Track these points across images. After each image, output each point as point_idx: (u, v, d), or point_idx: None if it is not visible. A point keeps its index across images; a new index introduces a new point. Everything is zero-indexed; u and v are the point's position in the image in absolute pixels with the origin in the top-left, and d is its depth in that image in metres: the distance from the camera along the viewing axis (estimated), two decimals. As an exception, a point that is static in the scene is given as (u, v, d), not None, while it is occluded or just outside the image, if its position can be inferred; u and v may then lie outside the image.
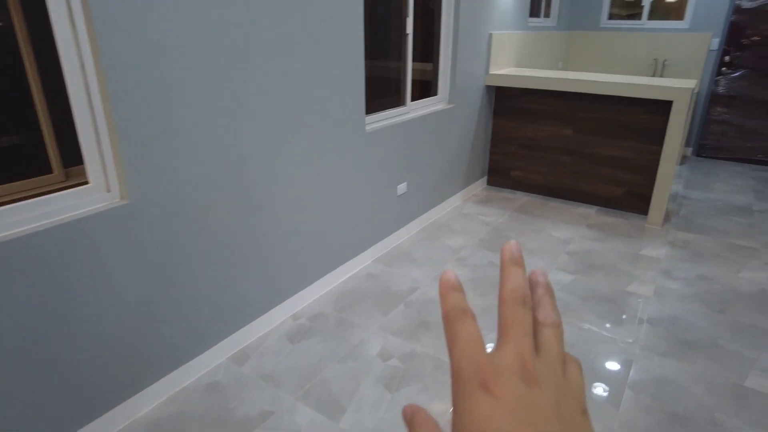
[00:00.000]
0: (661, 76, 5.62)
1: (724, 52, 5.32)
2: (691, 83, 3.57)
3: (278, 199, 2.31)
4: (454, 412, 0.22)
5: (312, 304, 2.69)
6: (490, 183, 4.60)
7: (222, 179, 2.01)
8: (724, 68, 5.36)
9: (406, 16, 2.99)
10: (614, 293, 2.86)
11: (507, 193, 4.45)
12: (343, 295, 2.78)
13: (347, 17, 2.42)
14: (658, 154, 3.74)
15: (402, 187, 3.30)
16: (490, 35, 4.00)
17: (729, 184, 4.83)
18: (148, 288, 1.85)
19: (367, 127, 2.83)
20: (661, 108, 3.62)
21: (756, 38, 5.14)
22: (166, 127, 1.76)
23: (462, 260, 3.20)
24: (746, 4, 5.11)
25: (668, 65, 5.57)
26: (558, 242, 3.49)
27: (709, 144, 5.60)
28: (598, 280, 2.99)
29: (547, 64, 5.42)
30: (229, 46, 1.89)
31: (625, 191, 3.99)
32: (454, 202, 4.09)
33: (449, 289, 0.26)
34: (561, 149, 4.15)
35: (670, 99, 3.48)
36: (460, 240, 3.48)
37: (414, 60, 3.12)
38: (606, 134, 3.92)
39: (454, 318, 0.25)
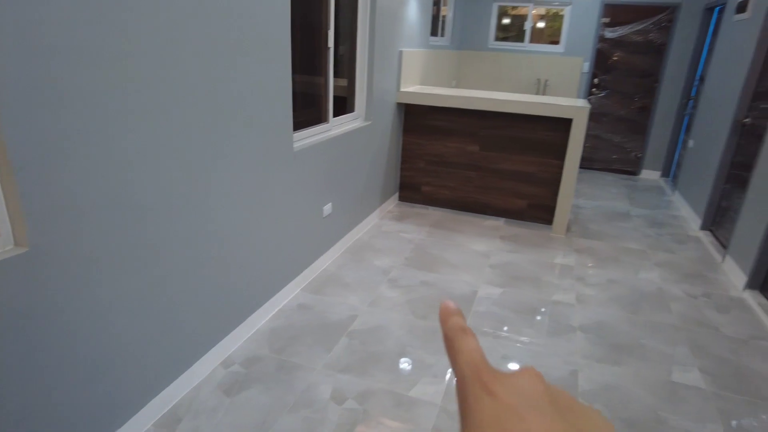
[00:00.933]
0: (543, 94, 6.13)
1: (594, 75, 5.96)
2: (585, 103, 3.89)
3: (200, 234, 2.00)
4: (463, 417, 0.24)
5: (243, 347, 2.38)
6: (402, 199, 4.58)
7: (128, 216, 1.67)
8: (594, 89, 6.01)
9: (327, 29, 2.84)
10: (542, 304, 2.96)
11: (419, 209, 4.46)
12: (278, 333, 2.51)
13: (273, 25, 2.20)
14: (559, 167, 4.02)
15: (328, 208, 3.11)
16: (401, 52, 4.00)
17: (607, 192, 5.39)
18: (46, 351, 1.45)
19: (295, 145, 2.61)
20: (559, 125, 3.90)
21: (617, 63, 5.85)
22: (66, 157, 1.40)
23: (394, 281, 3.10)
24: (609, 34, 5.79)
25: (549, 85, 6.09)
26: (479, 256, 3.55)
27: (585, 156, 6.21)
28: (525, 292, 3.08)
29: (443, 81, 5.61)
30: (141, 69, 1.58)
31: (529, 203, 4.22)
32: (372, 219, 3.98)
33: (449, 315, 0.28)
34: (468, 165, 4.28)
35: (571, 117, 3.76)
36: (387, 260, 3.38)
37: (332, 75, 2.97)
38: (510, 150, 4.11)
39: (454, 336, 0.27)
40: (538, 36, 6.09)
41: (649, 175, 6.12)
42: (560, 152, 3.98)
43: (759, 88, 3.80)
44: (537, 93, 6.14)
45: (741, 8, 4.23)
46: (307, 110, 2.79)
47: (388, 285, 3.05)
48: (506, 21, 6.16)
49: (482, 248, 3.69)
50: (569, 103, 3.85)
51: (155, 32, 1.59)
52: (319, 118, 2.96)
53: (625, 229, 4.31)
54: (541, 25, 6.04)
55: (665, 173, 6.02)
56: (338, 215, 3.32)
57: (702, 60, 5.43)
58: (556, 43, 6.02)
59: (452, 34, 5.77)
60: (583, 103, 3.81)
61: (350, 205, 3.50)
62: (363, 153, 3.57)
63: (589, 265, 3.54)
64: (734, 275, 3.46)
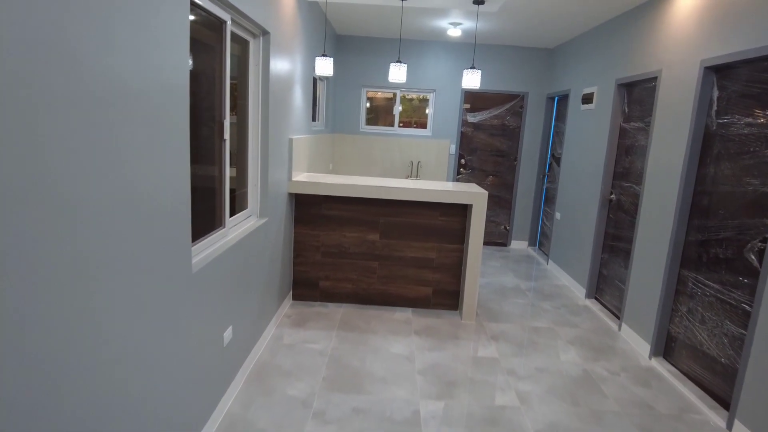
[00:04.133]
0: (417, 175, 6.23)
1: (460, 156, 6.27)
2: (482, 190, 3.90)
3: (74, 396, 1.30)
4: None
5: None
6: (296, 298, 4.03)
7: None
8: (461, 169, 6.30)
9: (222, 118, 2.36)
10: (490, 412, 2.65)
11: (319, 307, 3.96)
12: None
13: (170, 119, 1.68)
14: (458, 251, 3.93)
15: (228, 334, 2.47)
16: (291, 140, 3.63)
17: (489, 266, 5.50)
18: None
19: (194, 262, 2.01)
20: (456, 210, 3.85)
21: (480, 145, 6.25)
22: None
23: (320, 416, 2.52)
24: (471, 119, 6.20)
25: (422, 166, 6.22)
26: (402, 361, 3.16)
27: (461, 232, 6.37)
28: (467, 401, 2.76)
29: (322, 166, 5.34)
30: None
31: (434, 290, 4.02)
32: (270, 330, 3.36)
33: None
34: (369, 254, 3.97)
35: (470, 203, 3.73)
36: (302, 385, 2.79)
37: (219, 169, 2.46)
38: (411, 237, 3.93)
39: None
40: (406, 121, 6.26)
41: (519, 245, 6.49)
42: (458, 237, 3.91)
43: (618, 168, 4.24)
44: (411, 174, 6.22)
45: (586, 100, 4.81)
46: (201, 212, 2.22)
47: (315, 423, 2.46)
48: (368, 105, 6.25)
49: (402, 350, 3.32)
50: (468, 189, 3.84)
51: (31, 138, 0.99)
52: (213, 222, 2.39)
53: (524, 306, 4.33)
54: (399, 108, 6.23)
55: (532, 242, 6.44)
56: (239, 338, 2.68)
57: (550, 141, 6.06)
58: (424, 128, 6.25)
59: (326, 118, 5.61)
60: (480, 189, 3.82)
61: (249, 321, 2.88)
62: (260, 257, 3.02)
63: (511, 354, 3.38)
64: (636, 343, 3.60)
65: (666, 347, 3.37)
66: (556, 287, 4.93)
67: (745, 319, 2.66)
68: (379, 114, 6.25)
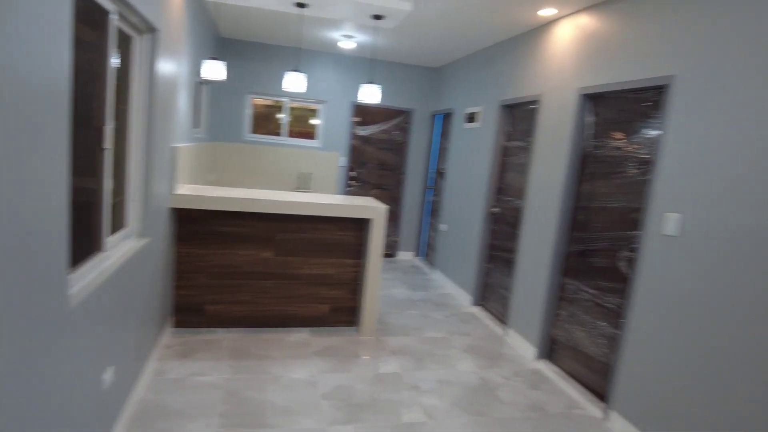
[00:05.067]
0: (308, 187, 6.05)
1: (350, 168, 6.25)
2: (382, 204, 3.90)
3: None
4: None
5: None
6: (179, 325, 3.62)
7: None
8: (351, 181, 6.28)
9: (103, 125, 2.01)
10: (399, 431, 2.61)
11: (206, 334, 3.60)
12: None
13: (42, 113, 1.36)
14: (356, 266, 3.87)
15: (109, 374, 2.10)
16: (175, 149, 3.26)
17: (381, 279, 5.53)
18: None
19: (71, 292, 1.66)
20: (353, 225, 3.79)
21: (369, 158, 6.29)
22: None
23: (221, 457, 2.26)
24: (360, 132, 6.22)
25: (313, 178, 6.07)
26: (305, 386, 2.99)
27: (350, 245, 6.33)
28: (375, 423, 2.69)
29: (205, 177, 4.94)
30: None
31: (331, 307, 3.91)
32: (150, 364, 2.96)
33: None
34: (263, 273, 3.72)
35: (370, 217, 3.69)
36: (196, 426, 2.48)
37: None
38: (307, 253, 3.77)
39: None
40: (295, 130, 6.07)
41: (405, 255, 6.65)
42: (356, 251, 3.85)
43: (501, 183, 4.54)
44: (300, 186, 6.04)
45: (470, 119, 5.09)
46: (77, 234, 1.85)
47: (217, 466, 2.20)
48: (253, 111, 5.96)
49: (304, 375, 3.14)
50: (368, 203, 3.80)
51: None
52: (91, 245, 2.02)
53: (418, 317, 4.41)
54: (281, 116, 6.05)
55: (418, 253, 6.64)
56: (120, 377, 2.30)
57: (434, 156, 6.32)
58: (313, 138, 6.12)
59: (208, 125, 5.20)
60: (380, 204, 3.80)
61: (130, 357, 2.50)
62: (141, 282, 2.65)
63: (413, 368, 3.40)
64: (521, 347, 3.85)
65: (550, 350, 3.65)
66: (444, 296, 5.11)
67: (617, 319, 2.97)
68: (259, 122, 5.97)
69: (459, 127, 5.41)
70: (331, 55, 5.94)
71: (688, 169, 2.48)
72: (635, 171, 2.92)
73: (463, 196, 5.16)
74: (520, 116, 4.29)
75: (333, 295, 3.89)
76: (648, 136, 2.84)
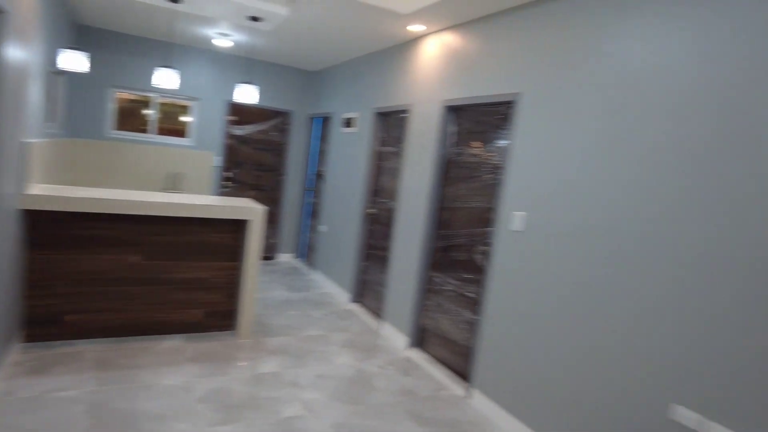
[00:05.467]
0: (178, 188, 5.77)
1: (226, 169, 6.09)
2: (260, 205, 3.89)
3: None
4: None
5: None
6: (31, 339, 3.28)
7: None
8: (226, 182, 6.12)
9: (-62, 114, 1.80)
10: (278, 426, 2.68)
11: (66, 347, 3.31)
12: None
13: None
14: (232, 269, 3.83)
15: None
16: (26, 144, 2.95)
17: (259, 281, 5.49)
18: None
19: None
20: (231, 226, 3.76)
21: (246, 158, 6.19)
22: None
23: (86, 473, 2.13)
24: (237, 132, 6.09)
25: (184, 178, 5.80)
26: (179, 392, 2.92)
27: (227, 248, 6.17)
28: (254, 420, 2.73)
29: (61, 176, 4.49)
30: None
31: (206, 312, 3.82)
32: (-4, 385, 2.66)
33: None
34: (131, 279, 3.52)
35: (248, 218, 3.68)
36: (56, 442, 2.31)
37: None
38: (181, 257, 3.65)
39: None
40: (165, 127, 5.75)
41: (284, 257, 6.65)
42: (233, 254, 3.81)
43: (376, 186, 4.80)
44: (169, 187, 5.74)
45: (348, 124, 5.29)
46: None
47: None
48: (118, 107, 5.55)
49: (178, 381, 3.05)
50: (245, 204, 3.78)
51: None
52: None
53: (297, 317, 4.48)
54: (149, 112, 5.74)
55: (298, 254, 6.68)
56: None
57: (313, 158, 6.43)
58: (182, 135, 5.86)
59: (66, 120, 4.73)
60: (258, 205, 3.81)
61: (-27, 375, 2.24)
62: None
63: (292, 366, 3.47)
64: (395, 338, 4.13)
65: (420, 338, 3.97)
66: (323, 295, 5.24)
67: (476, 307, 3.36)
68: (124, 118, 5.57)
69: (337, 131, 5.59)
70: (205, 51, 5.75)
71: (530, 174, 2.91)
72: (490, 175, 3.33)
73: (342, 197, 5.35)
74: (392, 123, 4.58)
75: (208, 300, 3.80)
76: (500, 145, 3.26)
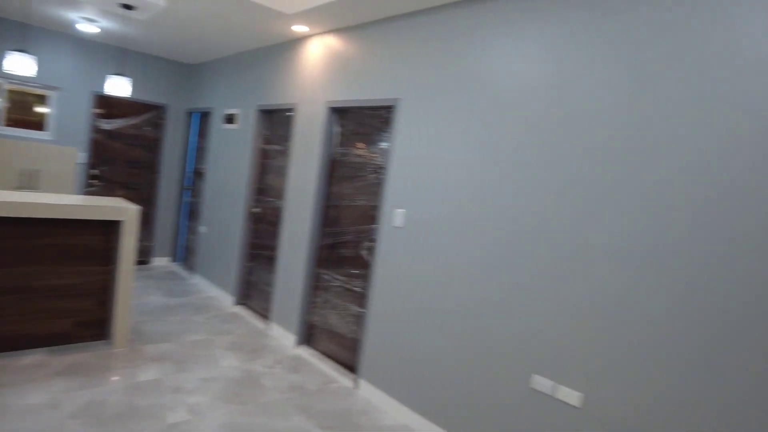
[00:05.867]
0: (35, 187, 5.14)
1: (92, 165, 5.57)
2: (133, 205, 3.65)
3: None
4: None
5: None
6: None
7: None
8: (93, 180, 5.60)
9: None
10: (164, 434, 2.59)
11: None
12: None
13: None
14: (105, 274, 3.57)
15: None
16: None
17: (134, 287, 5.12)
18: None
19: None
20: (102, 228, 3.49)
21: (116, 155, 5.72)
22: None
23: None
24: (105, 126, 5.59)
25: (42, 175, 5.18)
26: (46, 411, 2.66)
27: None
28: (137, 430, 2.59)
29: None
30: None
31: (75, 321, 3.50)
32: None
33: None
34: (-23, 288, 3.11)
35: (120, 219, 3.44)
36: None
37: None
38: (41, 262, 3.30)
39: None
40: (16, 119, 5.09)
41: (160, 261, 6.26)
42: (103, 258, 3.54)
43: (261, 184, 4.76)
44: (24, 185, 5.10)
45: (230, 120, 5.16)
46: None
47: None
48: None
49: (42, 399, 2.77)
50: (117, 204, 3.52)
51: None
52: None
53: (178, 322, 4.29)
54: (3, 103, 5.08)
55: (175, 258, 6.33)
56: None
57: (192, 155, 6.14)
58: (42, 129, 5.24)
59: None
60: (131, 205, 3.57)
61: None
62: None
63: (174, 372, 3.34)
64: (283, 337, 4.15)
65: (308, 335, 4.03)
66: (205, 299, 5.05)
67: (362, 300, 3.52)
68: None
69: (218, 127, 5.41)
70: (68, 37, 5.20)
71: (408, 174, 3.14)
72: (373, 175, 3.51)
73: (224, 196, 5.20)
74: (277, 122, 4.57)
75: (77, 308, 3.48)
76: (382, 146, 3.45)
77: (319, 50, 4.01)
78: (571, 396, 2.24)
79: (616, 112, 2.18)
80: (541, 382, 2.37)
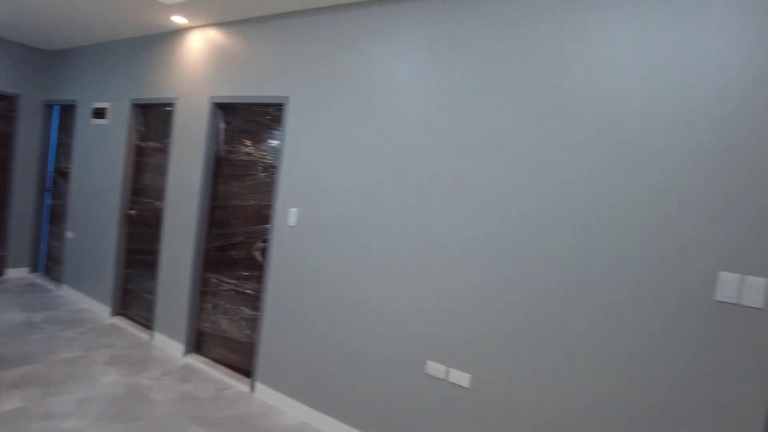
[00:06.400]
0: None
1: None
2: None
3: None
4: None
5: None
6: None
7: None
8: None
9: None
10: (35, 466, 2.32)
11: None
12: None
13: None
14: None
15: None
16: None
17: (-15, 305, 4.47)
18: None
19: None
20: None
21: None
22: None
23: None
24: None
25: None
26: None
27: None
28: (0, 466, 2.29)
29: None
30: None
31: None
32: None
33: None
34: None
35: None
36: None
37: None
38: None
39: None
40: None
41: (18, 273, 5.52)
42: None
43: (137, 184, 4.41)
44: None
45: (98, 115, 4.69)
46: None
47: None
48: None
49: None
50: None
51: None
52: None
53: (44, 340, 3.83)
54: None
55: (36, 268, 5.62)
56: None
57: (53, 152, 5.48)
58: None
59: None
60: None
61: None
62: None
63: (43, 397, 2.99)
64: (170, 347, 3.91)
65: (198, 343, 3.84)
66: (77, 312, 4.57)
67: (256, 303, 3.44)
68: None
69: (85, 122, 4.89)
70: None
71: (299, 173, 3.13)
72: (264, 174, 3.44)
73: (94, 198, 4.72)
74: (155, 117, 4.26)
75: None
76: (272, 144, 3.39)
77: (201, 43, 3.81)
78: (462, 378, 2.43)
79: (488, 114, 2.38)
80: (435, 367, 2.53)
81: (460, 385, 2.44)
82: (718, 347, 1.86)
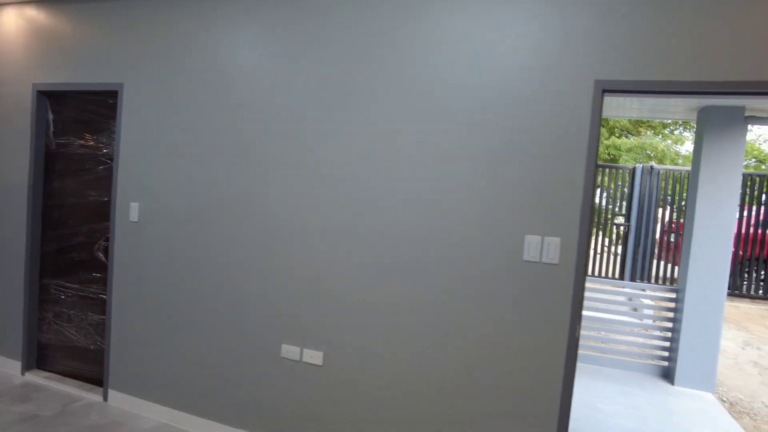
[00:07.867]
0: None
1: None
2: None
3: None
4: None
5: None
6: None
7: None
8: None
9: None
10: None
11: None
12: None
13: None
14: None
15: None
16: None
17: None
18: None
19: None
20: None
21: None
22: None
23: None
24: None
25: None
26: None
27: None
28: None
29: None
30: None
31: None
32: None
33: None
34: None
35: None
36: None
37: None
38: None
39: None
40: None
41: None
42: None
43: None
44: None
45: None
46: None
47: None
48: None
49: None
50: None
51: None
52: None
53: None
54: None
55: None
56: None
57: None
58: None
59: None
60: None
61: None
62: None
63: None
64: (4, 366, 3.48)
65: (40, 357, 3.48)
66: None
67: (103, 306, 3.20)
68: None
69: None
70: None
71: (140, 164, 2.96)
72: (103, 167, 3.19)
73: None
74: (-32, 108, 3.71)
75: None
76: (110, 135, 3.15)
77: (19, 24, 3.38)
78: (315, 356, 2.51)
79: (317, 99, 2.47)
80: (290, 350, 2.58)
81: (314, 364, 2.52)
82: (527, 300, 2.16)
